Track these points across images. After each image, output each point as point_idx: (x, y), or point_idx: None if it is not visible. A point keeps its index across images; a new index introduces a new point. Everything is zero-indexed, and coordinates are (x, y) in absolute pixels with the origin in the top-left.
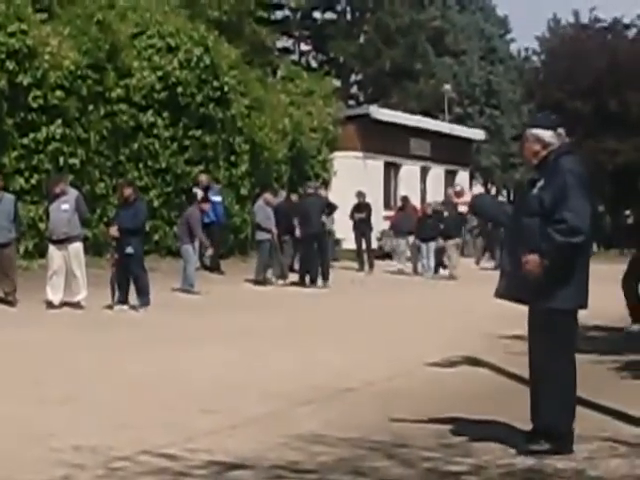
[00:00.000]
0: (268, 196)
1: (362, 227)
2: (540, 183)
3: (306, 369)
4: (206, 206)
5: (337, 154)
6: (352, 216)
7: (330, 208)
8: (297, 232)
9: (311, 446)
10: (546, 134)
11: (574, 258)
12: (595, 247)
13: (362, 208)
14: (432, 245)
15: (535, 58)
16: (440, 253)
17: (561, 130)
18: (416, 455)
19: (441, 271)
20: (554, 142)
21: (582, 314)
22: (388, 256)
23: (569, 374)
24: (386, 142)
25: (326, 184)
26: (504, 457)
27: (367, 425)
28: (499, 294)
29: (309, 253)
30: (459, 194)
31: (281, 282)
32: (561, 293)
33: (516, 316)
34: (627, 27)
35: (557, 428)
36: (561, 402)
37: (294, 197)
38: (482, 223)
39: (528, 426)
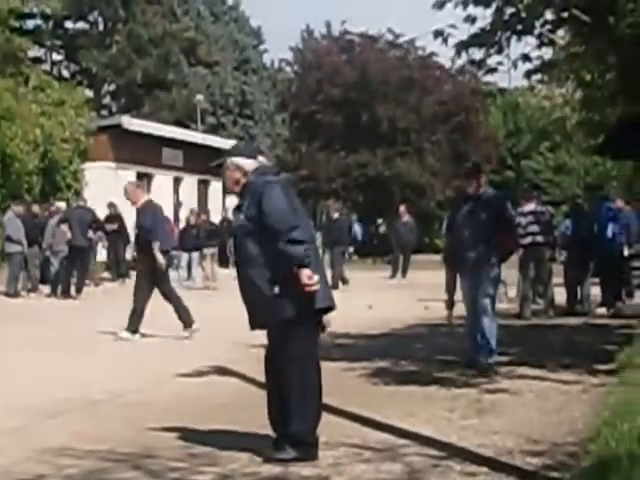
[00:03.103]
0: (17, 208)
1: (114, 238)
2: (244, 207)
3: (54, 381)
4: None
5: (89, 165)
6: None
7: (97, 222)
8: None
9: (58, 459)
10: (247, 162)
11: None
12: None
13: (114, 219)
14: (195, 255)
15: (288, 69)
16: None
17: (262, 158)
18: (163, 466)
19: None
20: (254, 169)
21: (332, 321)
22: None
23: (314, 379)
24: (138, 152)
25: (78, 194)
26: (250, 465)
27: (115, 437)
28: (252, 327)
29: (69, 265)
30: None
31: (33, 295)
32: (294, 301)
33: None
34: (375, 40)
35: (302, 434)
36: (307, 408)
37: (36, 208)
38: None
39: (274, 434)
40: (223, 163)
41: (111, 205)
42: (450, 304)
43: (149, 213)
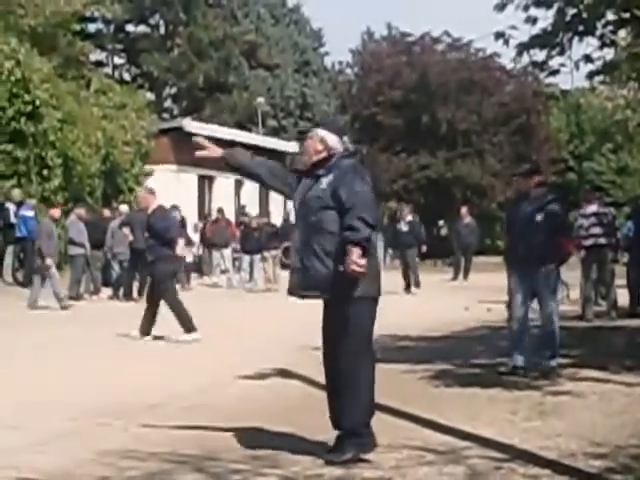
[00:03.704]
0: (80, 211)
1: None
2: (327, 179)
3: (116, 383)
4: None
5: (150, 167)
6: None
7: None
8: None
9: (120, 461)
10: (331, 138)
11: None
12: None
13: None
14: (256, 258)
15: (349, 71)
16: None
17: (346, 139)
18: (225, 468)
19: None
20: (337, 147)
21: (392, 324)
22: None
23: (368, 367)
24: None
25: None
26: (312, 468)
27: (177, 439)
28: (291, 291)
29: (130, 268)
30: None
31: (95, 297)
32: (359, 282)
33: None
34: (436, 42)
35: (355, 426)
36: (359, 397)
37: (107, 212)
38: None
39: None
40: (308, 131)
41: (174, 207)
42: (511, 305)
43: (161, 217)
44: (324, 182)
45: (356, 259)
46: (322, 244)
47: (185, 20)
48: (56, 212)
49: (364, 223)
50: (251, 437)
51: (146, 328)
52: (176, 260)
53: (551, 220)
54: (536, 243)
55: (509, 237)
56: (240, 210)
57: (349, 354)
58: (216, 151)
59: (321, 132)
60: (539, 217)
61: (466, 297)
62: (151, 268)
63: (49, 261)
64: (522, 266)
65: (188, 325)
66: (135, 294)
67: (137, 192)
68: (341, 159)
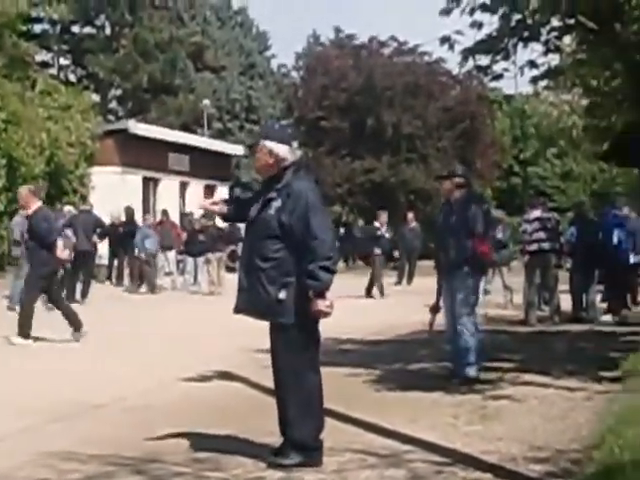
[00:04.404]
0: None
1: (125, 242)
2: (276, 203)
3: (60, 384)
4: None
5: (95, 169)
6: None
7: (102, 227)
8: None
9: (61, 463)
10: (281, 148)
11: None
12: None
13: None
14: (200, 260)
15: (295, 74)
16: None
17: (295, 145)
18: (166, 470)
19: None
20: (288, 157)
21: (337, 328)
22: None
23: (315, 385)
24: (145, 157)
25: (84, 199)
26: (254, 471)
27: (119, 441)
28: (238, 310)
29: (74, 270)
30: None
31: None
32: (297, 308)
33: None
34: (383, 45)
35: (305, 440)
36: (308, 414)
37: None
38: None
39: (280, 439)
40: (256, 144)
41: (128, 209)
42: (434, 308)
43: (41, 218)
44: (273, 207)
45: (322, 308)
46: (266, 270)
47: (131, 21)
48: None
49: (326, 271)
50: (193, 439)
51: (75, 323)
52: (55, 263)
53: (464, 223)
54: (451, 247)
55: (435, 241)
56: (186, 216)
57: (294, 372)
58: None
59: (269, 144)
60: (453, 220)
61: (410, 301)
62: (30, 270)
63: None
64: (444, 271)
65: (26, 331)
66: (78, 296)
67: (20, 190)
68: (294, 178)
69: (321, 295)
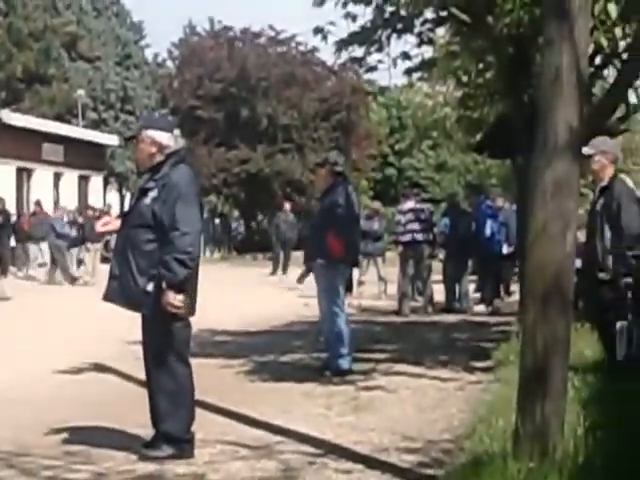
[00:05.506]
0: None
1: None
2: (153, 193)
3: None
4: None
5: None
6: None
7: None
8: None
9: None
10: (163, 136)
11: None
12: (209, 253)
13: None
14: (75, 250)
15: (170, 64)
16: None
17: (177, 132)
18: (37, 464)
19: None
20: (171, 145)
21: (211, 319)
22: None
23: (185, 377)
24: (18, 147)
25: None
26: (125, 464)
27: None
28: (107, 298)
29: None
30: None
31: None
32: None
33: None
34: (257, 36)
35: (176, 432)
36: (179, 406)
37: None
38: None
39: (151, 432)
40: (137, 135)
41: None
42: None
43: None
44: (149, 197)
45: (171, 300)
46: (137, 260)
47: (5, 10)
48: None
49: (181, 265)
50: (65, 432)
51: None
52: None
53: (320, 213)
54: (310, 238)
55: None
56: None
57: (163, 364)
58: None
59: (151, 133)
60: (316, 210)
61: (284, 291)
62: None
63: None
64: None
65: None
66: None
67: None
68: (173, 169)
69: (173, 287)
